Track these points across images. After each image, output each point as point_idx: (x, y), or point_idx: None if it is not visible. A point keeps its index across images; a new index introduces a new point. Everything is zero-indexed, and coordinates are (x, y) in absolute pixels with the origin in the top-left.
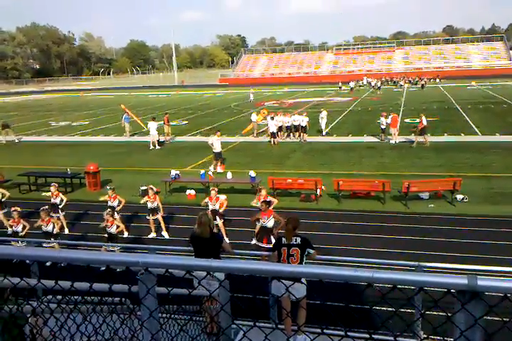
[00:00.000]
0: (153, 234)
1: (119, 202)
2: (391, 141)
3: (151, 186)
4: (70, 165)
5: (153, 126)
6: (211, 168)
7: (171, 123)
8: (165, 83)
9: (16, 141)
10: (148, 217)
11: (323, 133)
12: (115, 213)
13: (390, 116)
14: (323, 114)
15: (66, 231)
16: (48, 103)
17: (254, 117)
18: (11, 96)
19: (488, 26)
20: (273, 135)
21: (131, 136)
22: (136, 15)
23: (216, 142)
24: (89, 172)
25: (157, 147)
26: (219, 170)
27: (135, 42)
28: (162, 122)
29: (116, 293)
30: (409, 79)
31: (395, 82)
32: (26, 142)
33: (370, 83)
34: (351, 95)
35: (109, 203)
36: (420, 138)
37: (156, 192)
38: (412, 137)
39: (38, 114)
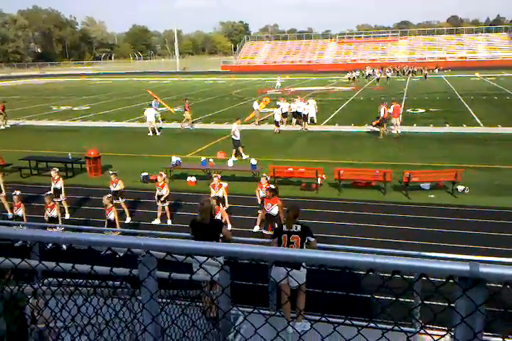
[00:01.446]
0: (157, 221)
1: (121, 186)
2: (393, 131)
3: (161, 172)
4: (70, 150)
5: (150, 112)
6: (233, 156)
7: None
8: (167, 69)
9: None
10: (158, 204)
11: (309, 121)
12: (119, 198)
13: (392, 106)
14: (311, 102)
15: (67, 216)
16: (49, 87)
17: (256, 105)
18: (12, 79)
19: (493, 17)
20: (276, 123)
21: (161, 120)
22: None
23: (237, 130)
24: (90, 157)
25: (158, 133)
26: (219, 156)
27: (137, 27)
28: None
29: (117, 277)
30: (414, 69)
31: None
32: (27, 126)
33: (364, 74)
34: (354, 84)
35: (111, 188)
36: (380, 129)
37: (153, 181)
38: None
39: (39, 98)
